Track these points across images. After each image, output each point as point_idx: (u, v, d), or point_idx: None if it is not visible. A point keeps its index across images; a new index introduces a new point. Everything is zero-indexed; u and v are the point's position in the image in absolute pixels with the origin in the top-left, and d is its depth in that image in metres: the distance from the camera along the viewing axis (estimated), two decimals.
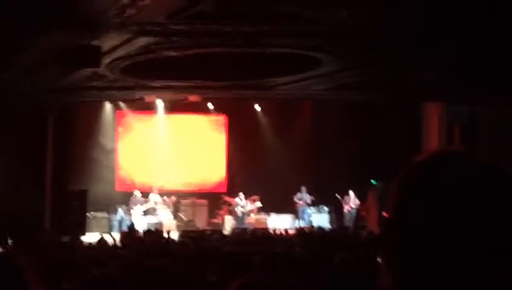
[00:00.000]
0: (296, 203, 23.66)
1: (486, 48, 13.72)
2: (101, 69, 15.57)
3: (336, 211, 24.08)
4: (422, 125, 21.79)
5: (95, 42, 12.94)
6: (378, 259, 1.30)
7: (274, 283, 1.70)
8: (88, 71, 16.00)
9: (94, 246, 12.33)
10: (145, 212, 22.71)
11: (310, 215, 23.65)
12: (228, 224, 22.78)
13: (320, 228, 17.53)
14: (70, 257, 7.41)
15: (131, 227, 17.10)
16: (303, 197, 23.63)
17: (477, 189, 1.20)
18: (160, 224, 21.61)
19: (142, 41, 13.90)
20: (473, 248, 1.17)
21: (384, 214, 1.30)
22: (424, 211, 1.21)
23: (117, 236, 15.86)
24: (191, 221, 23.27)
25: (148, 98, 21.63)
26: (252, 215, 23.54)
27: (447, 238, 1.18)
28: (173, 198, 23.44)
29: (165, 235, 15.68)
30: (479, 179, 1.22)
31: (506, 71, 15.15)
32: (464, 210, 1.18)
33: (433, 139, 21.00)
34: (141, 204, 22.67)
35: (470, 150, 1.28)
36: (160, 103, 23.62)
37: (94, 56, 13.13)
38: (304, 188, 23.60)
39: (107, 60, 14.92)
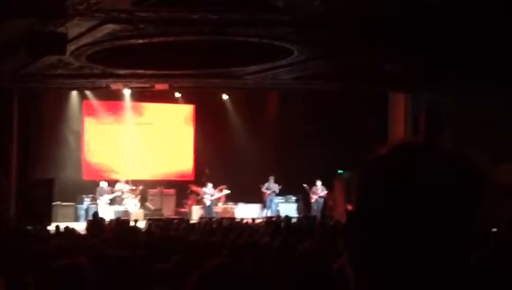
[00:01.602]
0: (264, 192, 23.70)
1: (450, 40, 13.85)
2: (67, 57, 15.38)
3: (304, 201, 24.20)
4: (388, 114, 21.96)
5: (60, 29, 12.77)
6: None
7: (234, 271, 1.68)
8: (53, 58, 15.80)
9: (60, 235, 12.23)
10: (112, 202, 22.58)
11: (277, 205, 23.73)
12: (195, 213, 22.76)
13: (287, 217, 17.59)
14: (35, 247, 7.34)
15: (96, 215, 16.98)
16: (270, 186, 23.66)
17: (437, 181, 1.19)
18: (127, 213, 21.55)
19: (108, 28, 13.76)
20: (433, 240, 1.17)
21: (349, 206, 1.29)
22: (385, 204, 1.20)
23: (83, 225, 15.78)
24: (158, 210, 23.23)
25: (114, 86, 21.43)
26: (220, 204, 23.55)
27: (407, 231, 1.17)
28: (140, 187, 23.33)
29: (132, 223, 15.64)
30: (439, 171, 1.21)
31: (469, 62, 15.33)
32: (423, 202, 1.17)
33: (399, 128, 21.19)
34: (108, 194, 22.52)
35: (432, 140, 1.27)
36: (127, 92, 23.45)
37: (59, 43, 12.96)
38: (271, 178, 23.64)
39: (72, 47, 14.76)
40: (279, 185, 23.58)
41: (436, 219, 1.17)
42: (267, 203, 23.65)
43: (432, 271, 1.17)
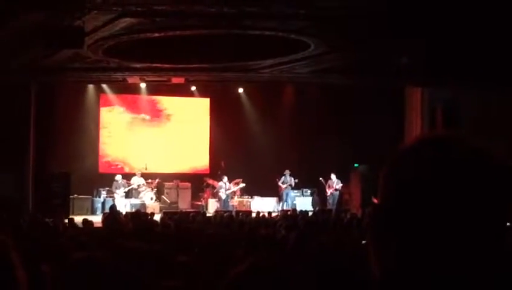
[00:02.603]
0: (280, 186, 23.70)
1: (469, 33, 13.75)
2: (83, 50, 15.43)
3: (319, 194, 24.17)
4: (404, 108, 21.83)
5: (77, 23, 12.81)
6: (363, 241, 1.29)
7: (282, 266, 1.68)
8: (70, 52, 15.86)
9: (77, 227, 12.29)
10: (128, 195, 22.67)
11: (293, 199, 23.72)
12: (211, 207, 22.81)
13: (303, 211, 17.58)
14: (53, 239, 7.38)
15: (113, 208, 17.04)
16: (287, 180, 23.66)
17: (466, 174, 1.18)
18: (144, 206, 21.64)
19: (125, 22, 13.78)
20: (464, 233, 1.16)
21: (374, 199, 1.28)
22: (414, 195, 1.18)
23: (100, 218, 15.84)
24: (174, 203, 23.29)
25: (131, 80, 21.50)
26: (236, 198, 23.58)
27: (436, 223, 1.16)
28: (156, 180, 23.42)
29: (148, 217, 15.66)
30: (469, 162, 1.19)
31: (487, 57, 15.21)
32: (453, 194, 1.16)
33: (415, 123, 21.07)
34: (124, 187, 22.62)
35: (459, 133, 1.26)
36: (143, 85, 23.52)
37: (77, 37, 13.00)
38: (287, 171, 23.64)
39: (89, 40, 14.80)
40: (295, 178, 23.57)
41: (466, 211, 1.16)
42: (283, 196, 23.65)
43: (462, 264, 1.16)
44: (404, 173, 1.22)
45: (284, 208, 22.29)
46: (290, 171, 23.64)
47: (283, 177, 23.69)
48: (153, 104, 25.44)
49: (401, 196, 1.21)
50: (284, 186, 23.65)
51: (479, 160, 1.20)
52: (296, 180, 23.58)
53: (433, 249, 1.16)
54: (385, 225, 1.22)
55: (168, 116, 25.69)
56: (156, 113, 25.54)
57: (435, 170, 1.19)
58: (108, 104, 24.82)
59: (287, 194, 23.63)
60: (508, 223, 1.19)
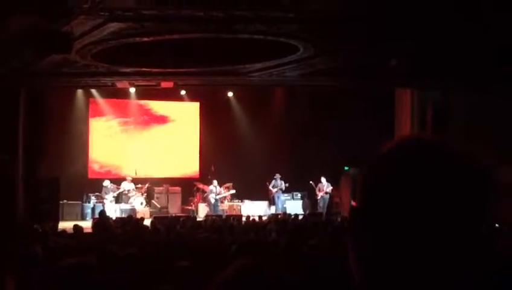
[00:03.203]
0: (270, 190, 23.70)
1: (458, 36, 13.80)
2: (72, 55, 15.38)
3: (310, 198, 24.19)
4: (395, 111, 21.87)
5: (65, 28, 12.77)
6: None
7: (272, 269, 1.68)
8: (58, 57, 15.80)
9: (67, 233, 12.25)
10: (118, 200, 22.61)
11: (283, 202, 23.73)
12: (202, 211, 22.78)
13: (293, 215, 17.59)
14: (43, 246, 7.34)
15: (102, 214, 16.99)
16: (277, 184, 23.67)
17: (441, 177, 1.19)
18: (134, 211, 21.59)
19: (113, 26, 13.75)
20: (438, 236, 1.16)
21: (353, 203, 1.29)
22: (388, 200, 1.19)
23: (90, 224, 15.79)
24: (164, 208, 23.25)
25: (120, 85, 21.44)
26: (226, 202, 23.56)
27: (411, 227, 1.17)
28: (146, 185, 23.37)
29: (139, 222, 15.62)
30: (443, 166, 1.20)
31: (478, 58, 15.26)
32: (427, 198, 1.17)
33: (405, 125, 21.10)
34: (114, 192, 22.57)
35: (437, 137, 1.27)
36: (132, 90, 23.47)
37: (65, 42, 12.97)
38: (278, 175, 23.65)
39: (78, 45, 14.75)
40: (285, 182, 23.58)
41: (440, 215, 1.17)
42: (274, 200, 23.67)
43: (438, 268, 1.16)
44: (378, 177, 1.23)
45: (275, 211, 22.30)
46: (280, 175, 23.65)
47: (273, 181, 23.70)
48: (143, 108, 25.39)
49: (375, 198, 1.22)
50: (274, 190, 23.66)
51: (452, 164, 1.20)
52: (287, 184, 23.59)
53: (407, 251, 1.17)
54: (361, 227, 1.22)
55: (157, 121, 25.64)
56: (146, 118, 25.49)
57: (408, 174, 1.19)
58: (97, 108, 24.74)
59: (277, 198, 23.64)
60: (496, 225, 1.20)
